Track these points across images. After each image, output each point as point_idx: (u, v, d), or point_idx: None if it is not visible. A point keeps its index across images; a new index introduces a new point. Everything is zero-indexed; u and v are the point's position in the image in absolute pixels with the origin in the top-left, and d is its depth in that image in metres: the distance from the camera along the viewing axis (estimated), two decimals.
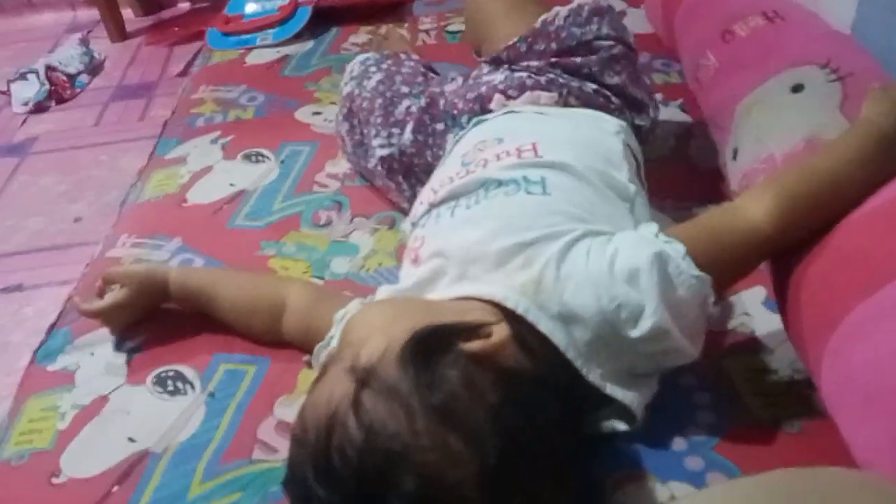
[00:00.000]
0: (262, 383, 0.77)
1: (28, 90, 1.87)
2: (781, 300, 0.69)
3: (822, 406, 0.65)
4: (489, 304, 0.64)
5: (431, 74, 1.04)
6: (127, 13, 2.22)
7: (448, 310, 0.63)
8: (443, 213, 0.75)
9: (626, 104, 0.91)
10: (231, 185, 1.08)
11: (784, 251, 0.67)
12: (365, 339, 0.59)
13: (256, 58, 1.46)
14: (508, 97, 0.90)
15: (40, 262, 1.28)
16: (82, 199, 1.47)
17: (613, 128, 0.84)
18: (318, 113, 1.23)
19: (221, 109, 1.29)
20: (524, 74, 0.91)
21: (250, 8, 1.62)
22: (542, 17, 0.92)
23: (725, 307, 0.78)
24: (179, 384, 0.77)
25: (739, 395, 0.69)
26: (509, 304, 0.63)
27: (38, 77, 1.90)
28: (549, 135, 0.81)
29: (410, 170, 0.94)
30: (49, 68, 1.92)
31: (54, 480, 0.69)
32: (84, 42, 2.09)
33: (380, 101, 0.99)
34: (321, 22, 1.53)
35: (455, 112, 0.93)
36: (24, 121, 1.77)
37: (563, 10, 0.92)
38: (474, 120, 0.90)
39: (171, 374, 0.78)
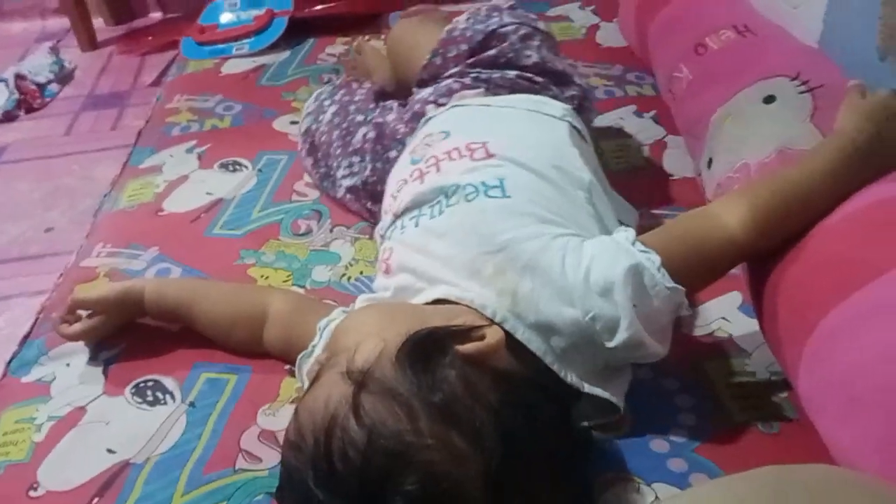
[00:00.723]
0: (244, 392, 0.76)
1: None
2: (758, 305, 0.70)
3: (798, 408, 0.66)
4: (471, 308, 0.65)
5: (383, 102, 1.06)
6: (98, 22, 2.19)
7: (436, 314, 0.63)
8: (407, 223, 0.76)
9: (552, 81, 0.94)
10: (208, 193, 1.07)
11: (755, 258, 0.69)
12: (357, 343, 0.59)
13: (232, 67, 1.46)
14: (440, 105, 0.92)
15: (12, 272, 1.25)
16: (55, 208, 1.44)
17: (558, 112, 0.86)
18: (295, 122, 1.23)
19: (197, 118, 1.28)
20: (450, 81, 0.94)
21: (225, 18, 1.62)
22: (446, 28, 0.97)
23: (701, 311, 0.79)
24: (159, 394, 0.76)
25: (719, 398, 0.70)
26: (487, 313, 0.64)
27: (6, 86, 1.87)
28: (497, 130, 0.82)
29: (377, 195, 0.94)
30: (18, 77, 1.89)
31: (32, 494, 0.68)
32: (54, 51, 2.06)
33: (337, 132, 1.01)
34: (297, 33, 1.53)
35: (399, 137, 0.95)
36: None
37: (461, 17, 0.98)
38: (422, 120, 0.92)
39: (150, 384, 0.77)
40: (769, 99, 0.82)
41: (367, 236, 0.97)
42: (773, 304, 0.67)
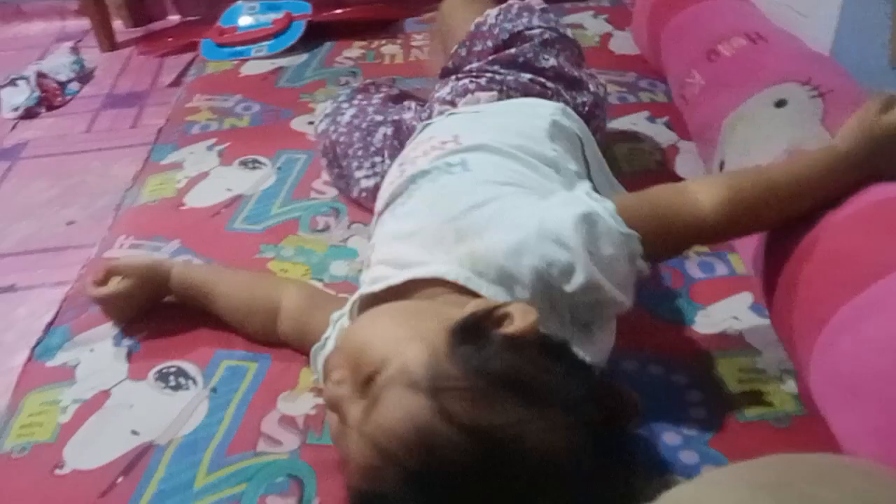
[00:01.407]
0: (264, 380, 0.78)
1: (18, 96, 1.86)
2: (770, 301, 0.72)
3: (808, 404, 0.68)
4: (444, 281, 0.66)
5: (404, 102, 1.09)
6: (117, 24, 2.22)
7: (446, 304, 0.65)
8: (385, 217, 0.79)
9: (564, 85, 0.96)
10: (228, 189, 1.10)
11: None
12: (393, 353, 0.57)
13: (251, 69, 1.48)
14: (455, 104, 0.95)
15: (33, 264, 1.28)
16: (74, 203, 1.47)
17: (548, 111, 0.87)
18: (313, 122, 1.25)
19: (217, 117, 1.30)
20: (467, 80, 0.97)
21: (244, 21, 1.64)
22: (475, 20, 0.99)
23: (711, 311, 0.81)
24: (181, 380, 0.78)
25: (730, 394, 0.72)
26: (450, 278, 0.66)
27: (28, 83, 1.90)
28: (471, 126, 0.85)
29: None
30: (40, 75, 1.92)
31: (57, 472, 0.70)
32: (75, 50, 2.09)
33: (357, 134, 1.03)
34: (315, 36, 1.56)
35: None
36: (14, 126, 1.77)
37: (493, 11, 1.00)
38: (419, 126, 0.94)
39: (172, 370, 0.79)
40: (781, 103, 0.84)
41: None
42: (785, 300, 0.69)
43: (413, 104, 1.04)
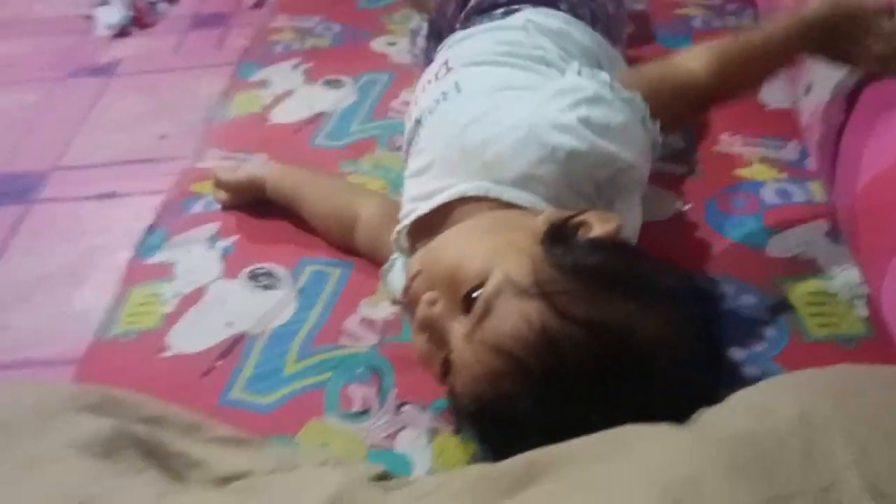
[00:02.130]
0: (346, 285, 0.83)
1: (112, 15, 1.94)
2: (846, 226, 0.72)
3: (879, 328, 0.68)
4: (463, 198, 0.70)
5: None
6: None
7: (518, 215, 0.68)
8: (409, 162, 0.82)
9: None
10: (311, 107, 1.14)
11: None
12: (491, 265, 0.59)
13: None
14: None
15: (130, 173, 1.36)
16: (165, 118, 1.55)
17: (521, 15, 0.89)
18: (392, 44, 1.27)
19: (299, 37, 1.33)
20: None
21: None
22: None
23: (785, 236, 0.81)
24: (271, 280, 0.84)
25: (799, 315, 0.73)
26: (471, 193, 0.69)
27: (121, 2, 1.97)
28: (459, 49, 0.88)
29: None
30: None
31: (162, 355, 0.77)
32: None
33: None
34: None
35: None
36: (108, 44, 1.85)
37: None
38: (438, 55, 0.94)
39: (262, 271, 0.85)
40: None
41: None
42: (861, 224, 0.69)
43: None
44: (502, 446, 0.53)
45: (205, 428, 0.66)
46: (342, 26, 1.35)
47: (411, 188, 0.78)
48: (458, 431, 0.64)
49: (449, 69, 0.83)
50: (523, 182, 0.69)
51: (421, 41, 1.10)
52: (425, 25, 1.10)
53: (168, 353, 0.77)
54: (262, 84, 1.21)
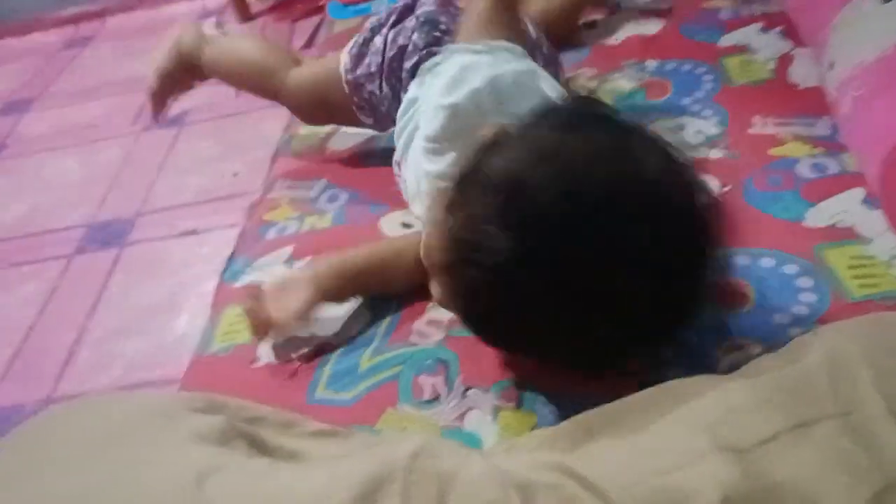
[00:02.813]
0: (414, 293, 0.89)
1: None
2: (882, 188, 0.75)
3: None
4: None
5: None
6: None
7: None
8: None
9: None
10: (363, 132, 1.22)
11: None
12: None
13: None
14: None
15: (208, 211, 1.48)
16: (235, 158, 1.67)
17: None
18: None
19: None
20: None
21: None
22: None
23: (822, 207, 0.84)
24: None
25: (839, 279, 0.76)
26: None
27: None
28: None
29: None
30: None
31: (254, 365, 0.86)
32: (219, 25, 2.31)
33: None
34: None
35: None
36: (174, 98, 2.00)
37: None
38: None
39: None
40: None
41: None
42: (890, 185, 0.72)
43: None
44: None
45: (298, 424, 0.74)
46: None
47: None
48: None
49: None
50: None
51: None
52: None
53: (259, 364, 0.86)
54: None
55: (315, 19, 2.09)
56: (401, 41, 1.02)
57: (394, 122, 1.00)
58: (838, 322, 0.57)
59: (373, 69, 1.04)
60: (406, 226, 0.99)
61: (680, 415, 0.48)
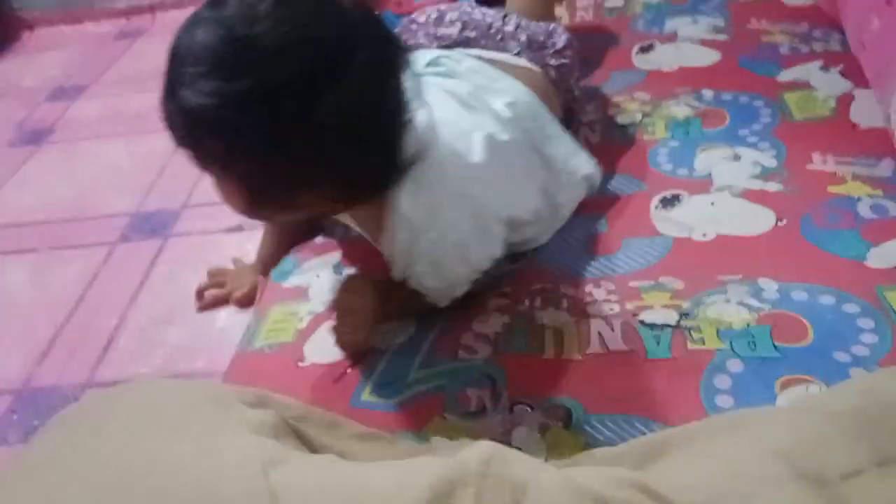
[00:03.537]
0: (459, 305, 0.89)
1: None
2: None
3: None
4: None
5: None
6: None
7: None
8: None
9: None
10: None
11: None
12: None
13: None
14: None
15: None
16: None
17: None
18: None
19: None
20: None
21: None
22: None
23: (885, 249, 0.83)
24: None
25: None
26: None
27: None
28: None
29: None
30: None
31: (299, 364, 0.86)
32: None
33: None
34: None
35: None
36: None
37: None
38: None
39: None
40: None
41: None
42: None
43: None
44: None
45: (343, 426, 0.75)
46: None
47: None
48: None
49: None
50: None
51: None
52: None
53: (305, 363, 0.86)
54: None
55: None
56: None
57: None
58: None
59: None
60: None
61: (751, 440, 0.48)
